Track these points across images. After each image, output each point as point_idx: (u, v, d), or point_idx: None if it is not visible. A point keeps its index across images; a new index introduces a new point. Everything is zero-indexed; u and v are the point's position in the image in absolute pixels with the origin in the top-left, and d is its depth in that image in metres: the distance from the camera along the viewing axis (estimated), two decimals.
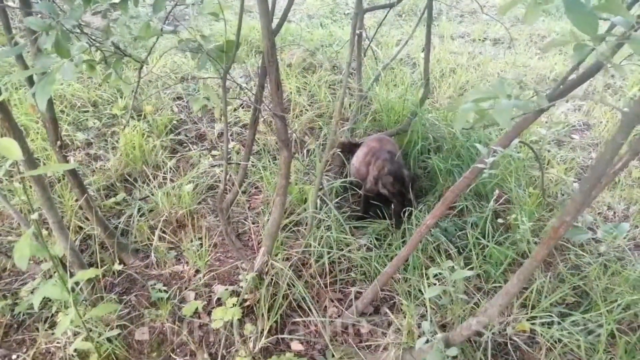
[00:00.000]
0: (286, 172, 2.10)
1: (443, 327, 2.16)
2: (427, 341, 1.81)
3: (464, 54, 4.70)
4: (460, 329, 1.77)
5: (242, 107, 3.65)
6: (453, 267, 1.98)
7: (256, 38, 4.62)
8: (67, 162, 2.22)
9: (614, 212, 2.90)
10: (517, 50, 4.89)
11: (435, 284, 2.09)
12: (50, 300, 2.28)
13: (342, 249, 2.46)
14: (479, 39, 5.27)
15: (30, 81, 1.97)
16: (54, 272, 1.72)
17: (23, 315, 2.23)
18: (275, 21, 1.98)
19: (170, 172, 2.98)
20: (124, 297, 2.33)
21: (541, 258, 1.36)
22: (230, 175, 3.01)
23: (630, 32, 0.93)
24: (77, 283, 2.18)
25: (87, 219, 2.62)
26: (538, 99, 1.20)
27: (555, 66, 4.49)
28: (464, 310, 2.20)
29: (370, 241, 2.55)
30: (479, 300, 2.26)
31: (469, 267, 2.41)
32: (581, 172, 3.21)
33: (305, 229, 2.50)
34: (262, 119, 3.04)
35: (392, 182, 2.63)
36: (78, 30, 1.63)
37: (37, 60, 1.46)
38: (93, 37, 1.90)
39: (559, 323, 2.12)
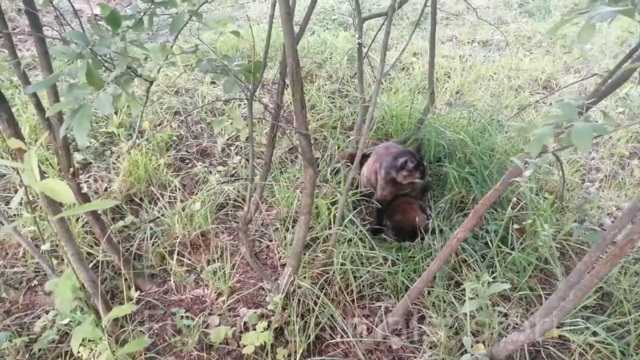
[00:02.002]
0: (311, 191, 2.06)
1: (476, 341, 2.15)
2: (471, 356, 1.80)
3: (456, 57, 4.73)
4: (504, 343, 1.77)
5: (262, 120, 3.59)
6: (488, 281, 1.98)
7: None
8: (80, 189, 2.12)
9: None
10: (506, 52, 4.95)
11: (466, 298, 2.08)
12: (67, 333, 2.19)
13: (364, 264, 2.43)
14: (468, 42, 5.31)
15: (38, 103, 1.88)
16: (91, 307, 1.63)
17: (40, 350, 2.12)
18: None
19: (177, 190, 2.89)
20: (146, 325, 2.25)
21: (603, 275, 1.35)
22: (238, 192, 2.95)
23: None
24: (99, 316, 2.09)
25: (96, 244, 2.52)
26: (607, 120, 1.20)
27: (545, 67, 4.56)
28: (493, 321, 2.19)
29: (391, 254, 2.53)
30: (508, 310, 2.26)
31: (493, 275, 2.41)
32: (585, 173, 3.26)
33: (326, 245, 2.46)
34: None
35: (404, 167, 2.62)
36: (109, 58, 1.56)
37: (69, 91, 1.39)
38: (105, 59, 1.83)
39: (587, 328, 2.14)
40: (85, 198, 2.17)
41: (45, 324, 2.21)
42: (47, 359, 2.09)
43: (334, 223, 2.41)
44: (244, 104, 3.73)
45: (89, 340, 2.03)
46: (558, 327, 2.21)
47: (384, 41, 2.00)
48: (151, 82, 2.02)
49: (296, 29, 2.04)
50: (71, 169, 2.05)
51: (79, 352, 2.02)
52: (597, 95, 1.69)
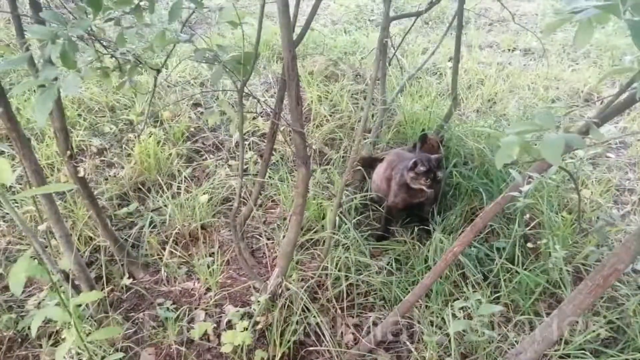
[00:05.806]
0: (304, 191, 1.99)
1: None
2: None
3: (493, 64, 4.52)
4: None
5: (262, 116, 3.55)
6: (480, 300, 1.84)
7: (278, 44, 4.50)
8: (77, 172, 2.13)
9: None
10: (549, 62, 4.68)
11: (459, 316, 1.95)
12: None
13: (361, 271, 2.32)
14: (509, 49, 5.07)
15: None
16: (58, 289, 1.62)
17: (27, 329, 2.14)
18: (298, 29, 1.87)
19: (185, 182, 2.88)
20: (132, 314, 2.24)
21: (586, 307, 1.21)
22: (247, 188, 2.91)
23: None
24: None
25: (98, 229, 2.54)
26: (593, 133, 1.06)
27: (589, 79, 4.28)
28: (490, 343, 2.04)
29: (390, 264, 2.41)
30: (507, 332, 2.10)
31: (496, 295, 2.25)
32: (618, 194, 3.02)
33: (322, 248, 2.38)
34: (282, 129, 2.96)
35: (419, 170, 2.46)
36: (87, 40, 1.54)
37: (42, 70, 1.37)
38: (106, 45, 1.81)
39: None
40: (82, 182, 2.18)
41: (39, 303, 2.24)
42: (32, 337, 2.11)
43: (332, 226, 2.32)
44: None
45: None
46: (562, 358, 2.04)
47: (379, 38, 1.90)
48: (158, 71, 2.01)
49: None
50: (68, 152, 2.06)
51: (61, 332, 2.04)
52: (603, 115, 1.52)
